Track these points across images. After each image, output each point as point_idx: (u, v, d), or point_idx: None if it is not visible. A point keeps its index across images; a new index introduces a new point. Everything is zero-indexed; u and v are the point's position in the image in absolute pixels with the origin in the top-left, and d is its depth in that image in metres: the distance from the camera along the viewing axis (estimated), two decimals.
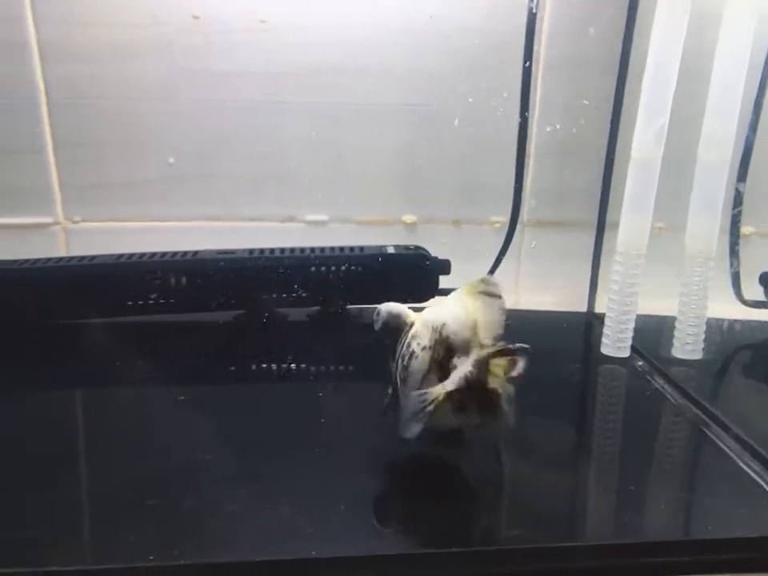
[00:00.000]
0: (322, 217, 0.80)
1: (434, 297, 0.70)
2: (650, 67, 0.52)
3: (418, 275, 0.69)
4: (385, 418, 0.44)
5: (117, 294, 0.65)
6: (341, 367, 0.63)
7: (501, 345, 0.40)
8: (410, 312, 0.46)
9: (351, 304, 0.72)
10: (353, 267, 0.68)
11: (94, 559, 0.35)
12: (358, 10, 0.73)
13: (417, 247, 0.72)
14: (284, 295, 0.69)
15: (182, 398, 0.53)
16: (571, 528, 0.41)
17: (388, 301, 0.69)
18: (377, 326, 0.46)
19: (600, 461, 0.48)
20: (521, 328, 0.73)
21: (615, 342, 0.59)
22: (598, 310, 0.76)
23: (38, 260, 0.66)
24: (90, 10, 0.70)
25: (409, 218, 0.81)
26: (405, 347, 0.43)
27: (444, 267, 0.70)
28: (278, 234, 0.79)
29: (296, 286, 0.69)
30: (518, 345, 0.40)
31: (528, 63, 0.69)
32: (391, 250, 0.70)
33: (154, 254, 0.68)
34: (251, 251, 0.70)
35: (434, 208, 0.81)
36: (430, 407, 0.39)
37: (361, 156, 0.79)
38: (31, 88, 0.71)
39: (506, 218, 0.81)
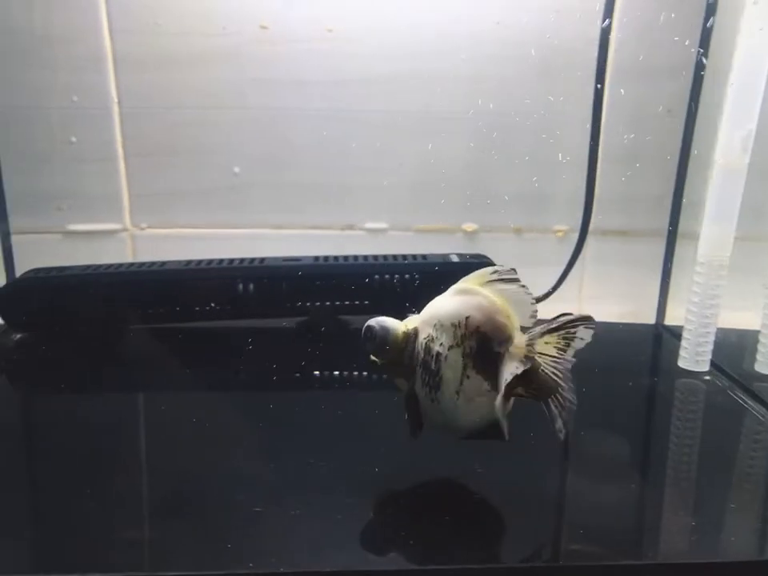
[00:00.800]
0: (382, 225, 0.80)
1: None
2: (738, 72, 0.51)
3: None
4: (417, 439, 0.42)
5: (185, 300, 0.66)
6: None
7: (560, 319, 0.38)
8: (400, 322, 0.43)
9: (413, 313, 0.71)
10: (416, 275, 0.68)
11: (193, 565, 0.36)
12: (425, 18, 0.73)
13: (480, 255, 0.72)
14: (347, 303, 0.69)
15: (271, 406, 0.54)
16: (643, 545, 0.39)
17: None
18: (372, 345, 0.43)
19: (678, 476, 0.46)
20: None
21: (694, 356, 0.57)
22: (667, 321, 0.74)
23: (110, 265, 0.68)
24: (163, 21, 0.72)
25: (469, 226, 0.80)
26: (424, 354, 0.41)
27: None
28: (337, 242, 0.80)
29: (359, 294, 0.69)
30: (578, 314, 0.38)
31: (600, 77, 0.68)
32: (455, 258, 0.70)
33: (221, 261, 0.69)
34: (316, 258, 0.70)
35: (495, 216, 0.80)
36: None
37: (423, 164, 0.78)
38: (105, 98, 0.73)
39: (568, 227, 0.80)
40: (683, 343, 0.58)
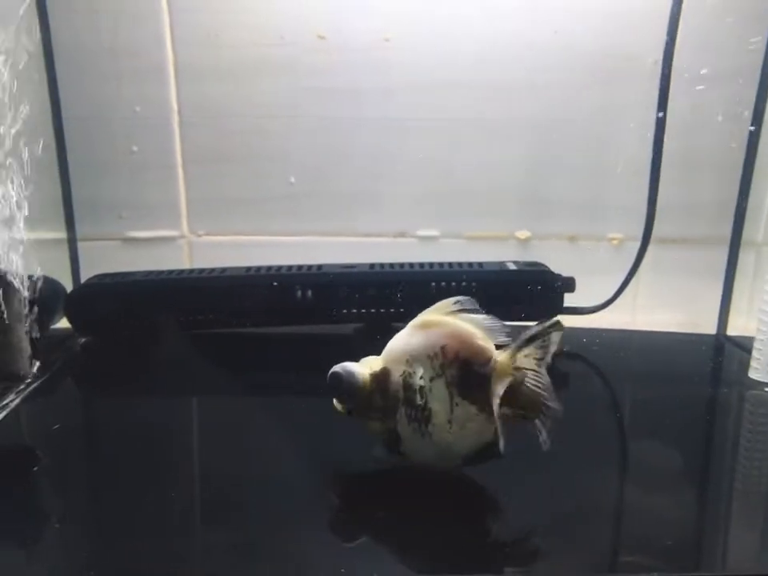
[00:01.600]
0: (433, 232, 0.80)
1: (557, 315, 0.68)
2: None
3: (543, 293, 0.67)
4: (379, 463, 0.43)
5: (245, 305, 0.67)
6: None
7: (533, 328, 0.38)
8: (364, 366, 0.43)
9: None
10: (473, 283, 0.68)
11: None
12: (482, 26, 0.73)
13: (536, 263, 0.71)
14: (402, 310, 0.69)
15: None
16: (710, 557, 0.39)
17: (505, 318, 0.70)
18: (338, 392, 0.42)
19: (747, 489, 0.45)
20: (644, 348, 0.73)
21: (766, 366, 0.56)
22: (729, 331, 0.72)
23: (172, 271, 0.69)
24: (223, 34, 0.73)
25: (522, 233, 0.80)
26: (404, 391, 0.40)
27: (569, 285, 0.68)
28: (389, 250, 0.80)
29: (414, 301, 0.68)
30: (548, 321, 0.38)
31: (665, 82, 0.67)
32: (512, 266, 0.69)
33: (280, 267, 0.70)
34: (372, 265, 0.71)
35: (549, 224, 0.80)
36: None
37: (476, 171, 0.78)
38: (165, 107, 0.75)
39: (624, 235, 0.79)
40: (755, 353, 0.57)
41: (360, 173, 0.78)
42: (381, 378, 0.41)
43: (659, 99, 0.67)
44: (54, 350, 0.63)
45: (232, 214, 0.79)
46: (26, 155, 0.51)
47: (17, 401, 0.53)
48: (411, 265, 0.71)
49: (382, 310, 0.69)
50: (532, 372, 0.38)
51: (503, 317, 0.67)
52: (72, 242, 0.72)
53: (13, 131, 0.49)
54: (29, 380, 0.50)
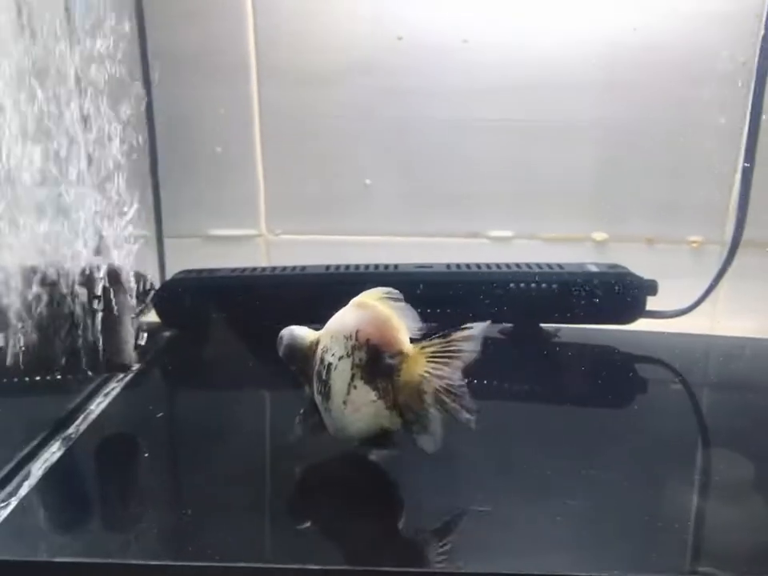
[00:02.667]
0: (507, 233, 0.80)
1: (639, 319, 0.67)
2: None
3: (625, 296, 0.66)
4: (298, 435, 0.44)
5: (325, 303, 0.68)
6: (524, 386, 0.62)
7: (445, 332, 0.39)
8: (312, 332, 0.45)
9: (546, 323, 0.71)
10: (553, 285, 0.67)
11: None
12: (559, 26, 0.73)
13: (617, 265, 0.70)
14: (480, 310, 0.69)
15: None
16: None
17: (587, 321, 0.69)
18: (280, 352, 0.45)
19: None
20: (729, 354, 0.71)
21: None
22: None
23: (255, 268, 0.71)
24: (305, 36, 0.75)
25: (599, 235, 0.79)
26: (318, 364, 0.42)
27: (651, 288, 0.67)
28: (461, 250, 0.80)
29: (492, 302, 0.68)
30: (464, 327, 0.39)
31: (761, 81, 0.65)
32: (593, 269, 0.68)
33: (357, 266, 0.71)
34: (448, 266, 0.71)
35: (626, 225, 0.78)
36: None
37: (552, 172, 0.78)
38: (247, 108, 0.77)
39: (704, 238, 0.77)
40: None
41: (433, 173, 0.79)
42: (313, 347, 0.43)
43: (753, 99, 0.65)
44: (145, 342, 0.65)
45: (309, 213, 0.81)
46: (130, 154, 0.53)
47: (117, 389, 0.55)
48: (489, 265, 0.71)
49: (459, 311, 0.70)
50: (438, 370, 0.39)
51: (584, 319, 0.68)
52: (160, 239, 0.75)
53: (119, 131, 0.52)
54: (132, 370, 0.52)
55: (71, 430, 0.48)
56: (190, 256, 0.78)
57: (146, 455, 0.46)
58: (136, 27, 0.66)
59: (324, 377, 0.41)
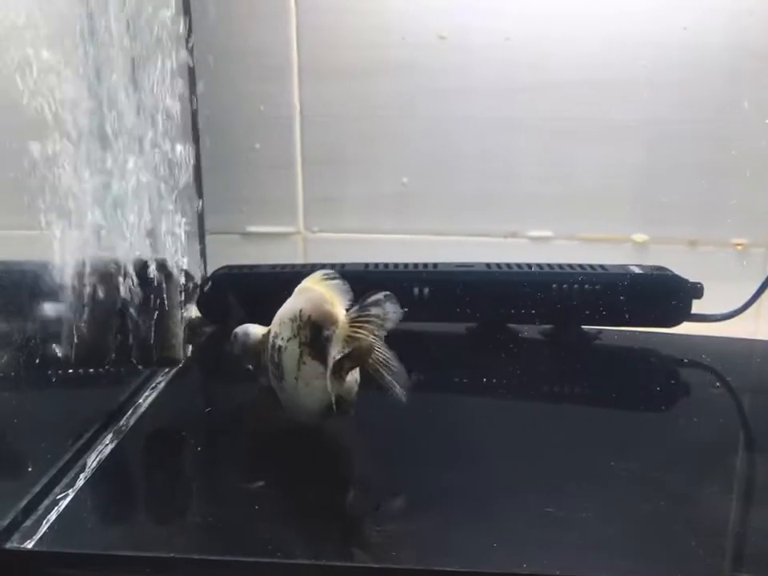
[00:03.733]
0: (547, 233, 0.80)
1: (683, 322, 0.66)
2: None
3: (670, 298, 0.65)
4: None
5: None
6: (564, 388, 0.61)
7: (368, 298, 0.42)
8: (263, 327, 0.48)
9: (588, 325, 0.70)
10: (596, 286, 0.66)
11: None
12: (604, 24, 0.72)
13: (661, 267, 0.69)
14: (520, 311, 0.69)
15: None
16: None
17: (630, 323, 0.68)
18: (235, 350, 0.49)
19: None
20: None
21: None
22: None
23: (294, 265, 0.71)
24: (346, 34, 0.75)
25: (639, 236, 0.78)
26: (270, 350, 0.45)
27: (697, 291, 0.66)
28: (499, 250, 0.79)
29: (532, 302, 0.68)
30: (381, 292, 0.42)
31: None
32: (637, 270, 0.67)
33: (396, 265, 0.71)
34: (488, 265, 0.71)
35: (668, 227, 0.77)
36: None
37: (593, 172, 0.77)
38: (288, 107, 0.77)
39: (749, 240, 0.76)
40: None
41: (473, 172, 0.78)
42: (265, 338, 0.47)
43: None
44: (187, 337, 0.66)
45: (346, 211, 0.81)
46: (179, 150, 0.53)
47: (163, 383, 0.56)
48: (530, 265, 0.70)
49: (499, 310, 0.69)
50: (370, 336, 0.41)
51: (627, 322, 0.67)
52: (202, 235, 0.75)
53: (169, 127, 0.52)
54: (181, 364, 0.53)
55: (122, 422, 0.48)
56: (229, 252, 0.78)
57: (198, 449, 0.46)
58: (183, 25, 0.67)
59: (276, 359, 0.45)
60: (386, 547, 0.37)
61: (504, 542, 0.37)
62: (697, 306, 0.68)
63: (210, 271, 0.74)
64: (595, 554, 0.37)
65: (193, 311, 0.67)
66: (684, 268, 0.71)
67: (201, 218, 0.75)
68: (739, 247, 0.76)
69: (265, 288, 0.69)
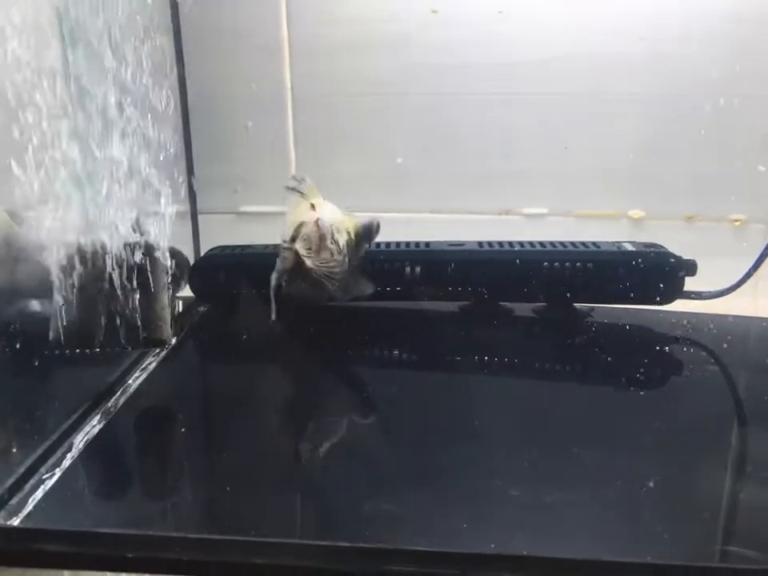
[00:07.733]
0: (541, 210, 0.79)
1: (675, 299, 0.66)
2: None
3: (663, 276, 0.65)
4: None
5: None
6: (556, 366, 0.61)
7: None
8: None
9: (580, 302, 0.70)
10: (588, 264, 0.66)
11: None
12: None
13: (655, 244, 0.68)
14: (511, 289, 0.68)
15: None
16: None
17: (622, 301, 0.68)
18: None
19: None
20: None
21: None
22: None
23: None
24: (338, 10, 0.74)
25: (636, 212, 0.77)
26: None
27: (690, 268, 0.65)
28: (493, 227, 0.79)
29: (524, 280, 0.67)
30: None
31: None
32: (629, 247, 0.67)
33: (389, 244, 0.70)
34: (480, 243, 0.70)
35: (664, 203, 0.76)
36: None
37: (589, 147, 0.76)
38: (279, 85, 0.76)
39: (747, 216, 0.75)
40: None
41: (467, 148, 0.77)
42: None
43: None
44: (179, 317, 0.66)
45: (340, 190, 0.80)
46: (167, 129, 0.53)
47: (153, 364, 0.56)
48: (522, 243, 0.70)
49: (490, 289, 0.69)
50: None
51: (619, 299, 0.67)
52: (194, 216, 0.75)
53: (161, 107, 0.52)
54: (169, 345, 0.53)
55: (110, 403, 0.49)
56: (223, 232, 0.79)
57: (183, 430, 0.47)
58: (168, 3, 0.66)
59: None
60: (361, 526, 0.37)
61: (475, 523, 0.38)
62: (694, 283, 0.68)
63: (203, 251, 0.74)
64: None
65: (185, 291, 0.68)
66: (681, 245, 0.71)
67: (193, 198, 0.75)
68: (737, 223, 0.75)
69: (257, 268, 0.69)
